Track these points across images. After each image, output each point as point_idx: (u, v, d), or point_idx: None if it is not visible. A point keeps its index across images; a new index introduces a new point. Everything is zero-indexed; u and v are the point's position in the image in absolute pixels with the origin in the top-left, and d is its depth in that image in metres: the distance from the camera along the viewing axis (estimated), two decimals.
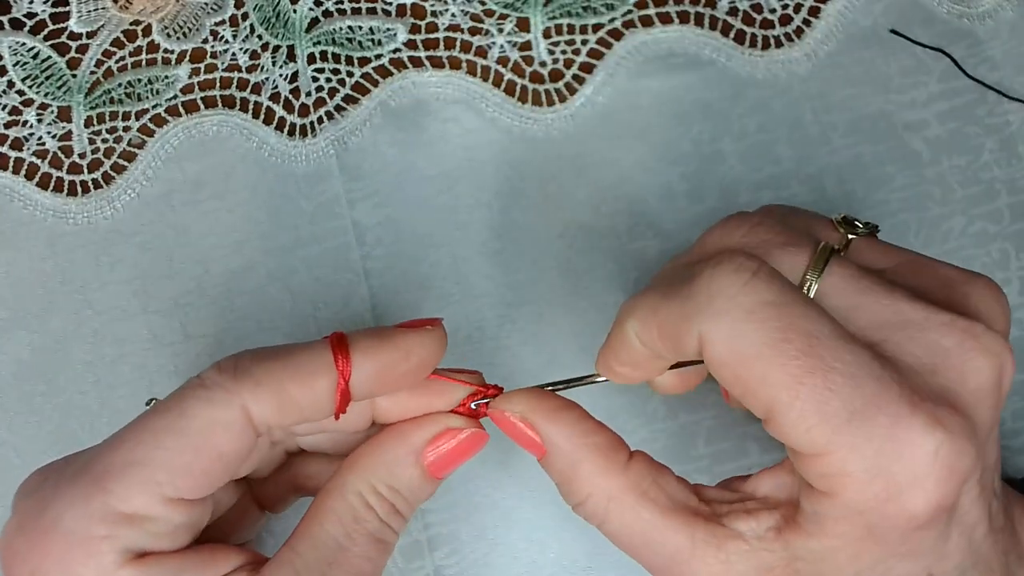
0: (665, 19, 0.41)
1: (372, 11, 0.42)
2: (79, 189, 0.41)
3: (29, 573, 0.26)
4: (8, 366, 0.40)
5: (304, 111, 0.41)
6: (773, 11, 0.42)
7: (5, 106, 0.41)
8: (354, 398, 0.28)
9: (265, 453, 0.32)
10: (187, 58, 0.42)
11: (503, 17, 0.41)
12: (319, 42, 0.41)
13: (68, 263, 0.40)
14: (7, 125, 0.41)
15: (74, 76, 0.41)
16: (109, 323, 0.40)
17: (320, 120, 0.41)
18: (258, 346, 0.29)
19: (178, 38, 0.41)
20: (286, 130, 0.41)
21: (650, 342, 0.28)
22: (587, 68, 0.41)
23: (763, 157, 0.41)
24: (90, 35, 0.42)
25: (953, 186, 0.40)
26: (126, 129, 0.41)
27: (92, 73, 0.42)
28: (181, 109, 0.41)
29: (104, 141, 0.41)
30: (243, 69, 0.41)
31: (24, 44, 0.41)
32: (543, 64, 0.41)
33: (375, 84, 0.41)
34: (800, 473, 0.26)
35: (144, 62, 0.42)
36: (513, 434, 0.30)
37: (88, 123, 0.41)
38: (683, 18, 0.41)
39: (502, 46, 0.41)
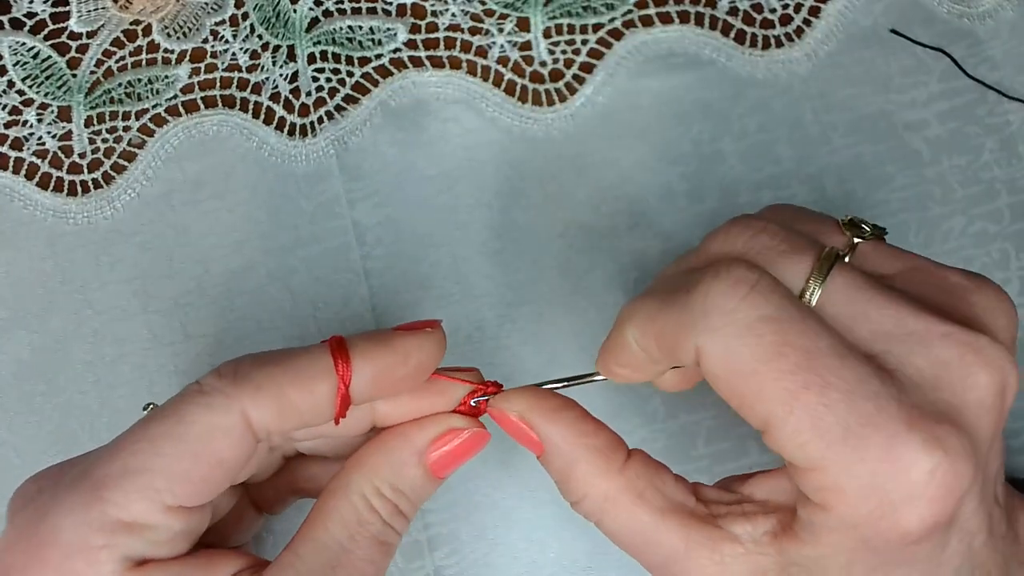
0: (665, 19, 0.41)
1: (372, 11, 0.42)
2: (79, 189, 0.41)
3: None
4: (8, 366, 0.40)
5: (304, 111, 0.41)
6: (773, 11, 0.42)
7: (5, 106, 0.41)
8: (354, 402, 0.28)
9: (264, 458, 0.32)
10: (187, 58, 0.42)
11: (503, 17, 0.41)
12: (319, 42, 0.41)
13: (68, 263, 0.40)
14: (7, 125, 0.41)
15: (74, 76, 0.41)
16: (109, 323, 0.40)
17: (320, 120, 0.41)
18: (258, 346, 0.29)
19: (178, 38, 0.41)
20: (286, 130, 0.41)
21: (648, 349, 0.28)
22: (587, 68, 0.41)
23: (763, 157, 0.41)
24: (90, 35, 0.42)
25: (953, 186, 0.40)
26: (126, 129, 0.41)
27: (92, 73, 0.41)
28: (181, 109, 0.41)
29: (104, 141, 0.41)
30: (243, 69, 0.41)
31: (24, 44, 0.41)
32: (543, 64, 0.41)
33: (375, 84, 0.41)
34: (796, 484, 0.26)
35: (144, 62, 0.42)
36: (512, 431, 0.30)
37: (88, 123, 0.41)
38: (683, 18, 0.41)
39: (502, 46, 0.41)
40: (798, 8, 0.41)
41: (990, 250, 0.40)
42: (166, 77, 0.41)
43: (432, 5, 0.42)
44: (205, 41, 0.42)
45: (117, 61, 0.42)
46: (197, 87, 0.41)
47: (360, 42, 0.41)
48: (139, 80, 0.41)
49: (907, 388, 0.24)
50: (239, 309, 0.40)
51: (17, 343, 0.40)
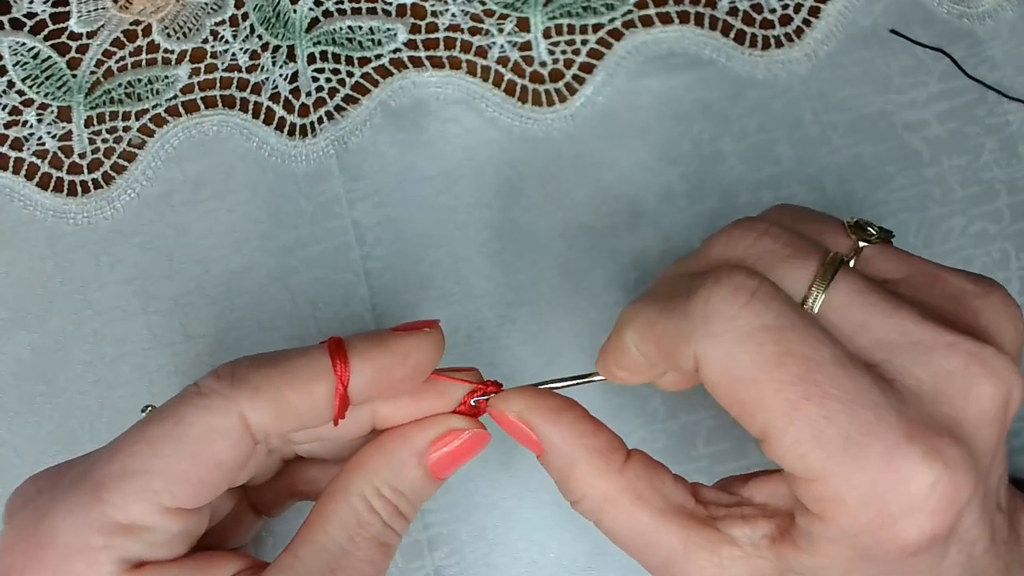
0: (665, 19, 0.41)
1: (372, 11, 0.42)
2: (79, 189, 0.41)
3: None
4: (8, 366, 0.40)
5: (304, 111, 0.41)
6: (773, 11, 0.41)
7: (5, 106, 0.41)
8: (353, 403, 0.28)
9: (262, 461, 0.32)
10: (187, 58, 0.42)
11: (503, 17, 0.41)
12: (319, 42, 0.41)
13: (68, 263, 0.41)
14: (7, 125, 0.41)
15: (74, 76, 0.41)
16: (109, 323, 0.40)
17: (320, 120, 0.41)
18: (258, 347, 0.29)
19: (178, 38, 0.41)
20: (286, 130, 0.41)
21: (648, 353, 0.27)
22: (587, 68, 0.41)
23: (763, 157, 0.41)
24: (90, 35, 0.42)
25: (953, 186, 0.40)
26: (126, 129, 0.41)
27: (92, 73, 0.41)
28: (181, 109, 0.41)
29: (104, 141, 0.41)
30: (243, 69, 0.41)
31: (24, 44, 0.41)
32: (543, 64, 0.41)
33: (375, 84, 0.41)
34: (795, 493, 0.25)
35: (144, 62, 0.42)
36: (512, 431, 0.30)
37: (88, 123, 0.41)
38: (683, 18, 0.41)
39: (502, 46, 0.41)
40: (798, 8, 0.41)
41: (990, 250, 0.40)
42: (166, 77, 0.41)
43: (432, 5, 0.42)
44: (205, 41, 0.42)
45: (117, 61, 0.42)
46: (197, 87, 0.41)
47: (360, 42, 0.41)
48: (139, 80, 0.41)
49: (907, 399, 0.24)
50: (239, 309, 0.40)
51: (17, 343, 0.40)
